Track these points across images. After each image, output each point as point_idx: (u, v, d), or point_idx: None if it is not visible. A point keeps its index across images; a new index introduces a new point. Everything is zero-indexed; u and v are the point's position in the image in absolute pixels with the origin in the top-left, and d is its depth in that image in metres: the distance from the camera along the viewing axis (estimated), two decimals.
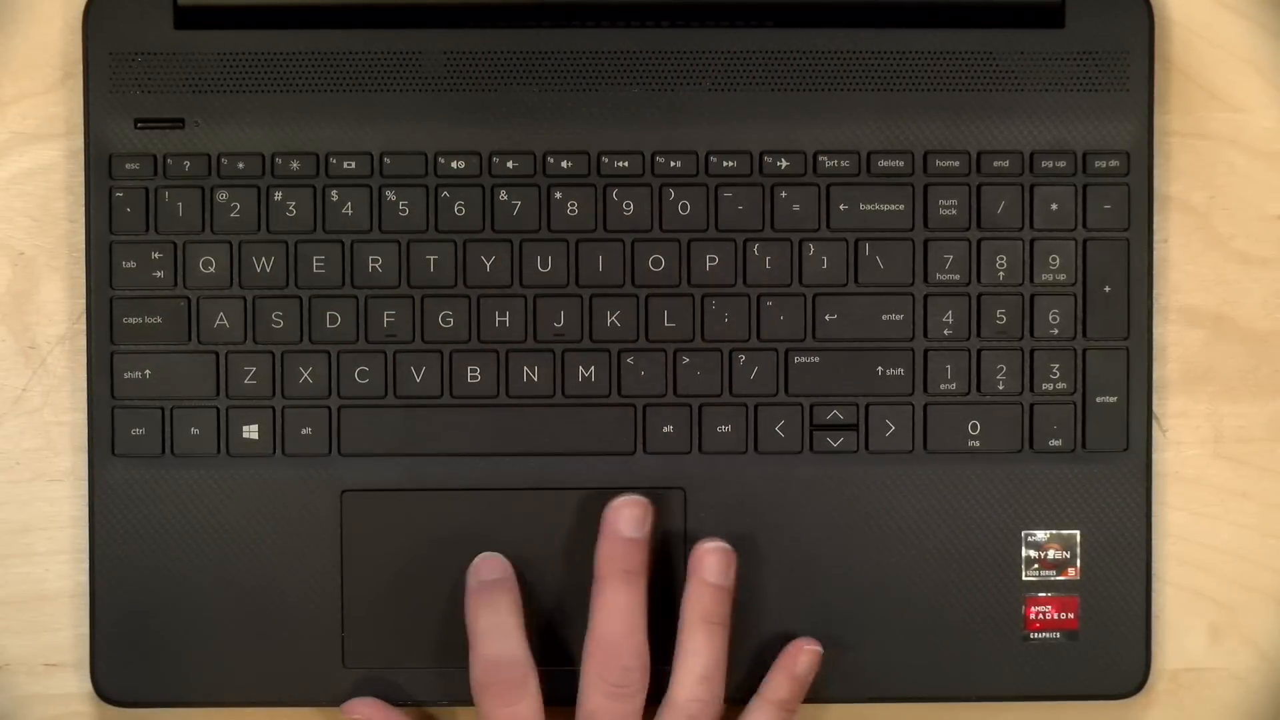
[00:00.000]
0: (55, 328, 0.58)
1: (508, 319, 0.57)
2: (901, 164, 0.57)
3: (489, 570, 0.55)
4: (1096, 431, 0.57)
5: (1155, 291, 0.58)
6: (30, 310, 0.58)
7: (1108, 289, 0.57)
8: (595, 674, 0.53)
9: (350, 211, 0.57)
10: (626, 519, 0.54)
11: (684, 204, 0.57)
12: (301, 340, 0.57)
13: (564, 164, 0.57)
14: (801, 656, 0.55)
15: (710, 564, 0.54)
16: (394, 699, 0.57)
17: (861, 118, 0.57)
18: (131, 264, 0.56)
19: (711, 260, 0.57)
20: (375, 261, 0.57)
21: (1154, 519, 0.57)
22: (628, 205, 0.57)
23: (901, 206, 0.57)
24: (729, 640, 0.54)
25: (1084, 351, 0.57)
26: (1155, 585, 0.58)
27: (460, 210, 0.57)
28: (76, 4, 0.57)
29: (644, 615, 0.54)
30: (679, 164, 0.57)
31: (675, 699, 0.54)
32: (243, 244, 0.57)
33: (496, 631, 0.54)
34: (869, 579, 0.57)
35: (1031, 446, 0.57)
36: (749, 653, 0.56)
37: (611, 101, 0.57)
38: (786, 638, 0.56)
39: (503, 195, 0.57)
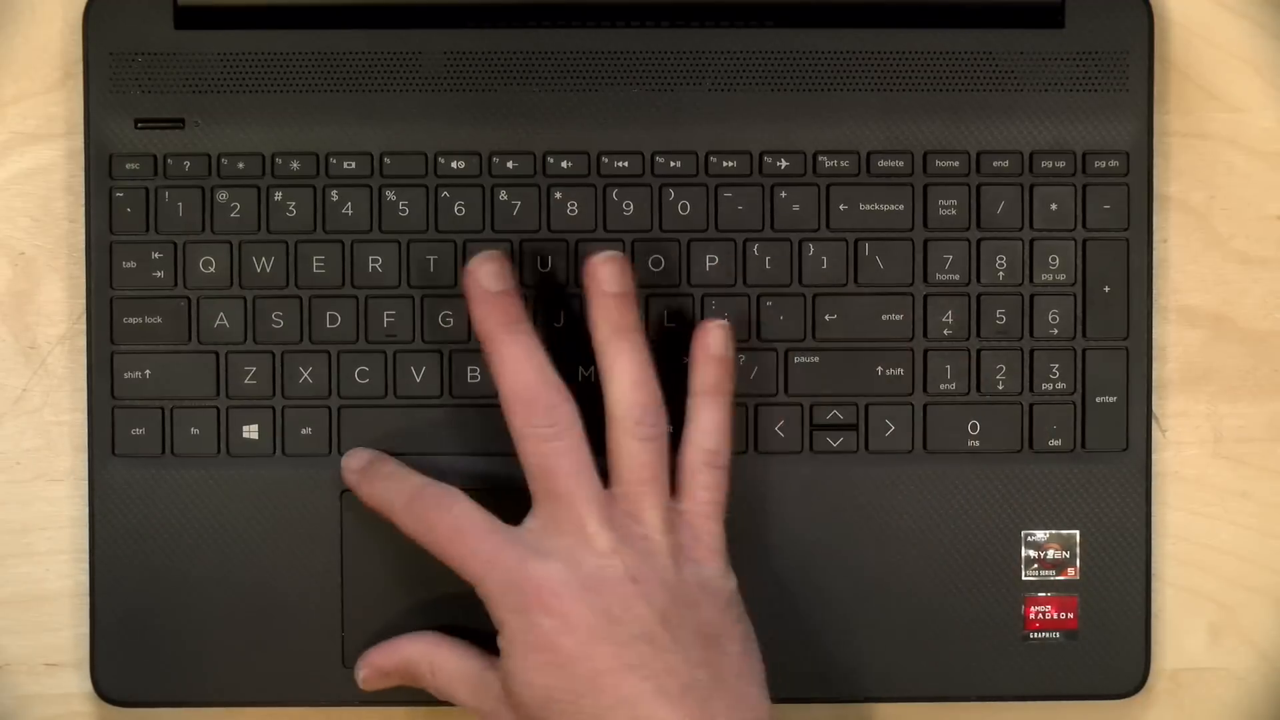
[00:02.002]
0: (55, 328, 0.58)
1: None
2: (901, 164, 0.57)
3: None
4: (1096, 431, 0.57)
5: (1155, 291, 0.58)
6: (30, 310, 0.58)
7: (1107, 289, 0.57)
8: (521, 427, 0.51)
9: (350, 211, 0.57)
10: (486, 274, 0.52)
11: (684, 204, 0.57)
12: (301, 340, 0.57)
13: (564, 164, 0.57)
14: (711, 335, 0.53)
15: (605, 274, 0.53)
16: (394, 699, 0.57)
17: (861, 118, 0.57)
18: (131, 264, 0.56)
19: (711, 260, 0.57)
20: (375, 261, 0.57)
21: (1154, 519, 0.57)
22: (628, 205, 0.57)
23: (901, 206, 0.57)
24: (647, 344, 0.53)
25: (1084, 351, 0.57)
26: (1155, 585, 0.58)
27: (460, 210, 0.57)
28: (76, 4, 0.57)
29: (545, 357, 0.52)
30: (679, 164, 0.57)
31: (614, 414, 0.52)
32: (243, 244, 0.57)
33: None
34: (869, 579, 0.57)
35: (1031, 446, 0.57)
36: None
37: (611, 101, 0.57)
38: (787, 635, 0.56)
39: (503, 195, 0.57)
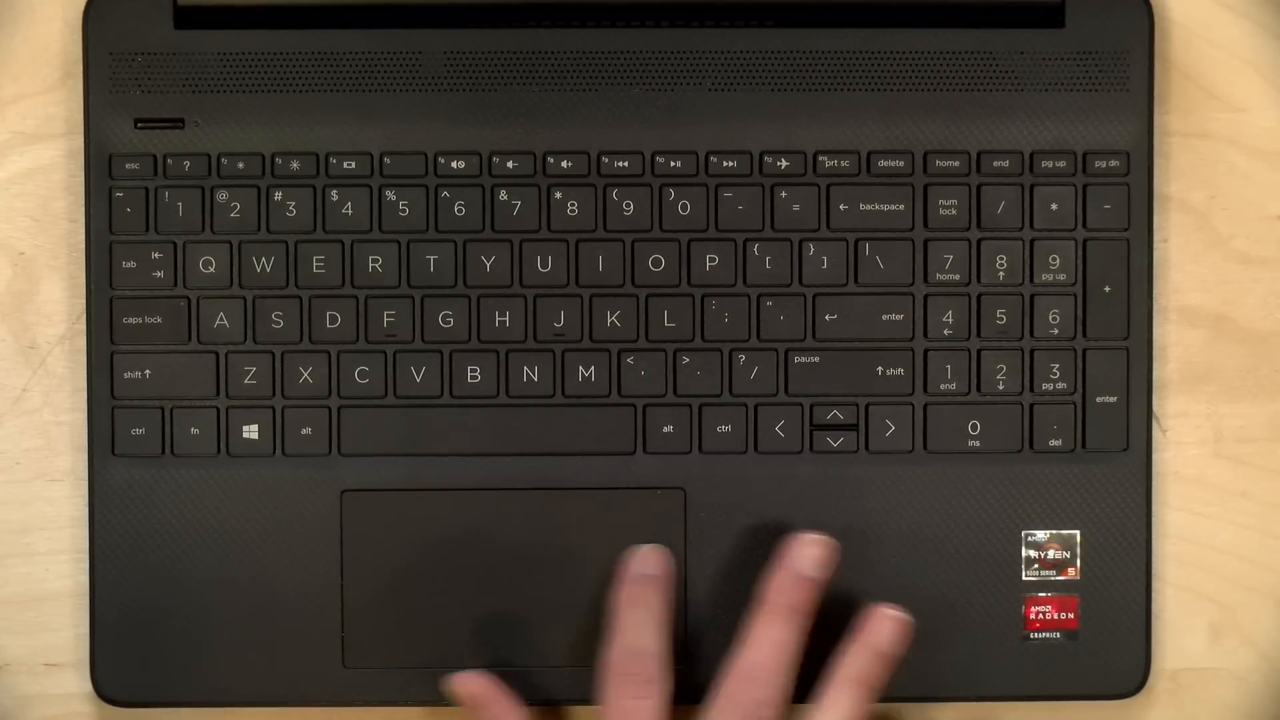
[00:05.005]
0: (55, 328, 0.58)
1: (508, 319, 0.57)
2: (901, 164, 0.57)
3: (645, 563, 0.55)
4: (1096, 431, 0.57)
5: (1155, 291, 0.58)
6: (30, 310, 0.58)
7: (1108, 289, 0.57)
8: (731, 699, 0.53)
9: (350, 211, 0.57)
10: (806, 556, 0.54)
11: (684, 204, 0.57)
12: (301, 340, 0.57)
13: (564, 164, 0.57)
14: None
15: (880, 628, 0.53)
16: (393, 699, 0.57)
17: (861, 118, 0.57)
18: (131, 264, 0.56)
19: (711, 260, 0.57)
20: (375, 261, 0.57)
21: (1154, 519, 0.57)
22: (628, 205, 0.57)
23: (901, 206, 0.57)
24: (873, 706, 0.53)
25: (1084, 351, 0.57)
26: (1155, 585, 0.58)
27: (460, 210, 0.57)
28: (76, 4, 0.57)
29: (795, 656, 0.53)
30: (679, 164, 0.57)
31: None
32: (243, 244, 0.57)
33: (643, 626, 0.54)
34: (869, 579, 0.57)
35: (1031, 446, 0.57)
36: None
37: (611, 101, 0.57)
38: None
39: (503, 195, 0.57)
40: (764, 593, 0.54)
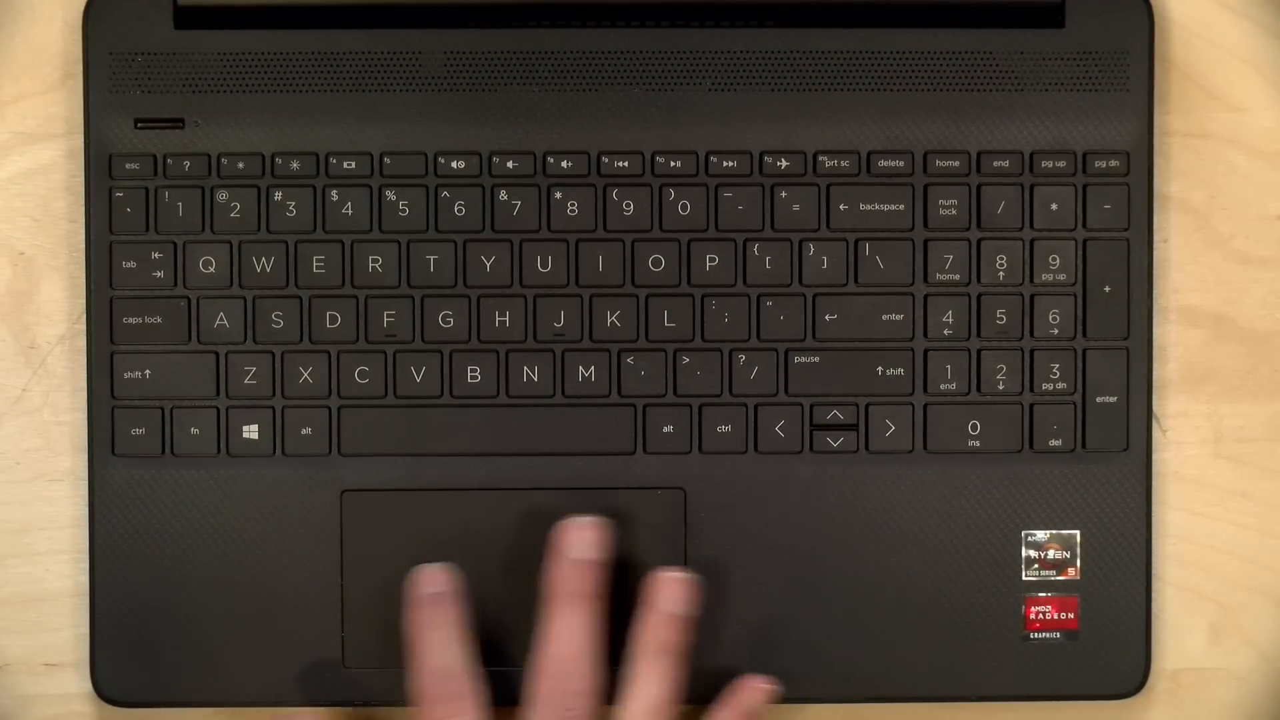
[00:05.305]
0: (55, 328, 0.58)
1: (508, 319, 0.57)
2: (901, 164, 0.57)
3: (432, 583, 0.55)
4: (1096, 431, 0.57)
5: (1155, 291, 0.58)
6: (30, 310, 0.58)
7: (1108, 289, 0.57)
8: (543, 697, 0.53)
9: (350, 211, 0.57)
10: (579, 541, 0.54)
11: (684, 204, 0.57)
12: (301, 340, 0.57)
13: (564, 164, 0.57)
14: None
15: (668, 593, 0.54)
16: (393, 699, 0.57)
17: (861, 118, 0.57)
18: (131, 264, 0.56)
19: (711, 260, 0.57)
20: (375, 261, 0.57)
21: (1154, 519, 0.57)
22: (628, 205, 0.57)
23: (901, 206, 0.57)
24: (683, 671, 0.54)
25: (1084, 351, 0.57)
26: (1155, 585, 0.58)
27: (460, 210, 0.57)
28: (76, 4, 0.57)
29: (595, 640, 0.54)
30: (679, 164, 0.57)
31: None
32: (243, 244, 0.57)
33: (441, 645, 0.54)
34: (869, 579, 0.57)
35: (1031, 446, 0.57)
36: (749, 653, 0.56)
37: (611, 101, 0.57)
38: (787, 636, 0.56)
39: (503, 195, 0.57)
40: (549, 586, 0.54)
